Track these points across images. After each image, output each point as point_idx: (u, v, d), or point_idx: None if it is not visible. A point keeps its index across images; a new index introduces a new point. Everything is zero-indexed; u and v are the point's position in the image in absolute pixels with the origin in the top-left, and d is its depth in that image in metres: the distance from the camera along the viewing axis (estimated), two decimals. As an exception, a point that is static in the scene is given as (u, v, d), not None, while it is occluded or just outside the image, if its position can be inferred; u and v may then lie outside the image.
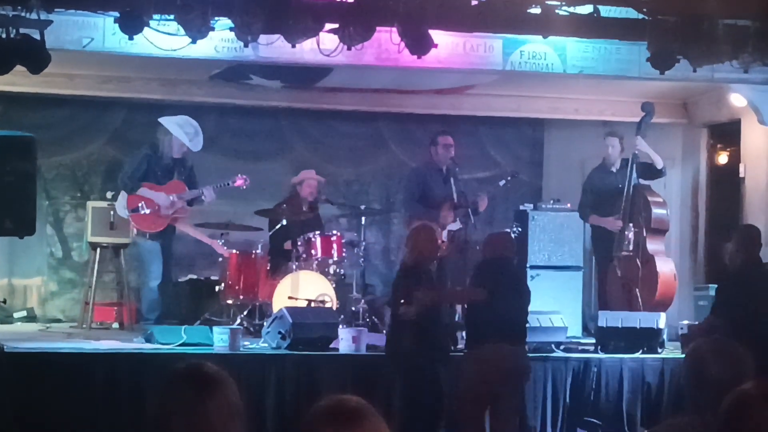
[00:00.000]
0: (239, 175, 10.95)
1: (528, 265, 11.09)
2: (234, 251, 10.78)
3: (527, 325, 8.52)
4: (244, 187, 10.93)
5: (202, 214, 11.34)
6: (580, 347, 10.09)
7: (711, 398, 3.60)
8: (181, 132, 10.64)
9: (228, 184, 10.90)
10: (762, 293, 8.26)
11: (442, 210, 10.82)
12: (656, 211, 11.12)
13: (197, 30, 8.13)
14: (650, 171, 11.25)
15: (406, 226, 11.35)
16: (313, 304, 10.13)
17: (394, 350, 8.29)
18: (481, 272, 8.48)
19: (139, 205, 10.60)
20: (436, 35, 8.69)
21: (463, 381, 8.22)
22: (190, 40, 8.28)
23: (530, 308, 8.59)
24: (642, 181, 11.25)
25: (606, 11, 9.01)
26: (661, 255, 11.06)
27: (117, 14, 8.10)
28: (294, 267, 10.56)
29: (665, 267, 10.83)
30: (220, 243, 10.99)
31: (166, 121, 10.75)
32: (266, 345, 9.43)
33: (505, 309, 8.11)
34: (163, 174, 10.76)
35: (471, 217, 10.83)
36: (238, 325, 10.11)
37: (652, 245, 11.08)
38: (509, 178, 11.27)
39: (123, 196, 10.77)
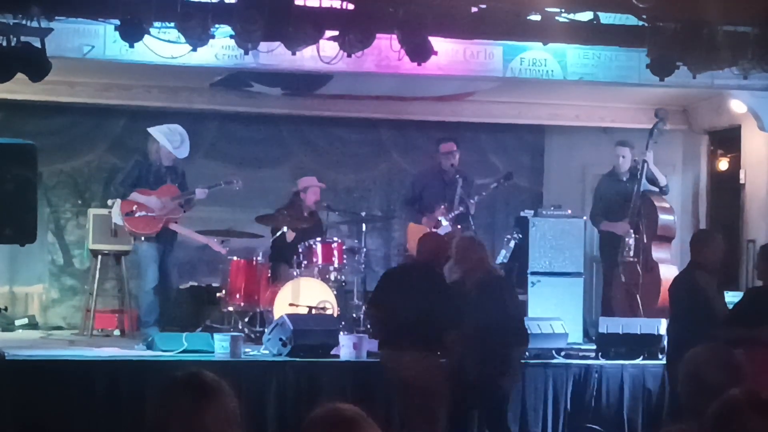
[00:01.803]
0: (232, 176, 11.00)
1: (529, 272, 11.09)
2: (235, 258, 10.80)
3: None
4: (237, 187, 10.93)
5: (204, 221, 11.36)
6: (581, 353, 10.08)
7: (708, 405, 3.61)
8: (166, 140, 10.68)
9: (221, 184, 10.92)
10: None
11: (434, 213, 10.93)
12: (663, 218, 11.12)
13: (197, 37, 8.15)
14: (654, 184, 11.30)
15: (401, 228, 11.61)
16: (314, 311, 10.14)
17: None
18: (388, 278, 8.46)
19: (133, 208, 10.62)
20: (436, 42, 8.70)
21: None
22: (190, 47, 8.31)
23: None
24: (651, 188, 11.27)
25: (606, 18, 9.02)
26: (666, 262, 11.02)
27: (117, 22, 8.11)
28: (295, 274, 10.58)
29: (670, 274, 10.78)
30: (215, 240, 11.00)
31: (153, 130, 10.80)
32: (267, 352, 9.44)
33: (409, 316, 7.95)
34: (155, 180, 10.78)
35: (471, 223, 10.88)
36: (239, 332, 10.12)
37: (658, 253, 11.07)
38: (502, 180, 11.25)
39: (117, 203, 10.81)
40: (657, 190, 11.34)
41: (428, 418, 7.92)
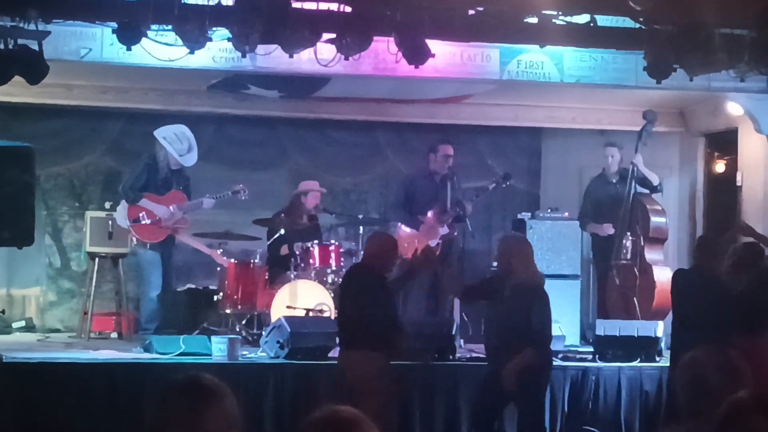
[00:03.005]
0: (238, 185, 11.00)
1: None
2: (232, 261, 10.80)
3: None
4: (243, 197, 10.96)
5: (201, 224, 11.36)
6: (578, 356, 10.10)
7: (709, 407, 3.61)
8: (173, 149, 10.69)
9: (228, 194, 10.94)
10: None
11: (427, 215, 10.94)
12: (655, 220, 11.15)
13: (195, 40, 8.15)
14: (646, 185, 11.32)
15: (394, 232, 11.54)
16: (311, 314, 10.15)
17: None
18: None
19: (140, 215, 10.64)
20: (434, 45, 8.70)
21: None
22: (187, 50, 8.30)
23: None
24: (642, 190, 11.28)
25: (603, 21, 9.02)
26: (659, 264, 11.07)
27: (115, 25, 8.12)
28: (292, 276, 10.58)
29: (663, 276, 10.83)
30: (219, 252, 11.02)
31: (159, 134, 10.79)
32: (264, 354, 9.45)
33: (351, 318, 8.02)
34: (162, 184, 10.81)
35: (468, 225, 10.89)
36: (237, 334, 10.12)
37: (651, 254, 11.10)
38: (500, 180, 11.26)
39: (123, 206, 10.81)
40: (648, 192, 11.36)
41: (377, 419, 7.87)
